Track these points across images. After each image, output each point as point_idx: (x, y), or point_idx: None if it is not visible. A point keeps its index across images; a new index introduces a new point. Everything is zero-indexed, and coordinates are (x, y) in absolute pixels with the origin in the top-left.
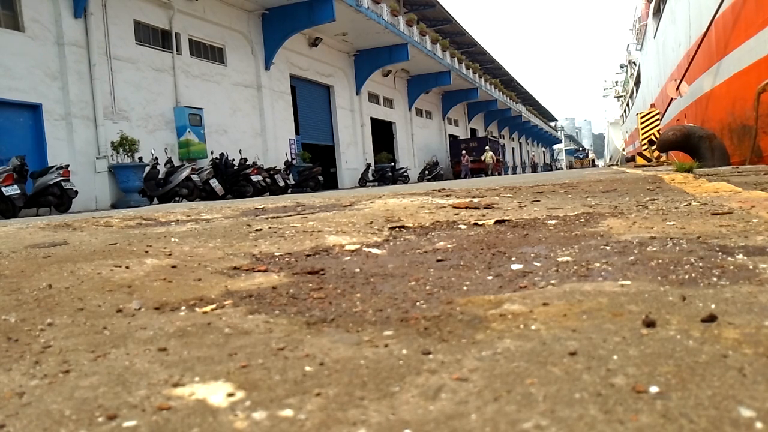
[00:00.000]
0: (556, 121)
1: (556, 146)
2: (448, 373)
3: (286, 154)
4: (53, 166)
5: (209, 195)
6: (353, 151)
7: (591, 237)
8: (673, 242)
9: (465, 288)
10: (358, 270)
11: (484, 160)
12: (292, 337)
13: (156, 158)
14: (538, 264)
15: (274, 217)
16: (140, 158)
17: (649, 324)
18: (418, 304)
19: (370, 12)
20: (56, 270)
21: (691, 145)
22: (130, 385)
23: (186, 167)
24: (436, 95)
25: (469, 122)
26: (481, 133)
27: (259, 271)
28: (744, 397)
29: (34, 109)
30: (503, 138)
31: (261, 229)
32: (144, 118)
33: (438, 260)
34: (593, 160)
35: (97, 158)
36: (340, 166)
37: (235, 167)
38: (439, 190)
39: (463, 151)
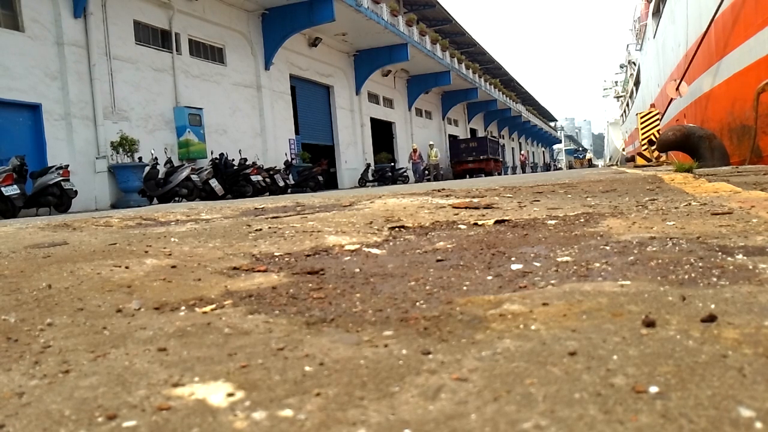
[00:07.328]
0: (556, 121)
1: (555, 146)
2: (448, 373)
3: (286, 154)
4: (53, 166)
5: (209, 195)
6: (353, 151)
7: (591, 237)
8: (672, 242)
9: (465, 288)
10: (357, 270)
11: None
12: (291, 337)
13: (156, 158)
14: (538, 264)
15: (273, 217)
16: (140, 158)
17: (649, 324)
18: (417, 304)
19: (370, 12)
20: (56, 270)
21: (690, 145)
22: (130, 385)
23: (186, 167)
24: (436, 95)
25: (468, 122)
26: (480, 133)
27: (258, 271)
28: (744, 397)
29: (34, 109)
30: (503, 138)
31: (261, 229)
32: (144, 118)
33: (438, 260)
34: (590, 161)
35: (96, 158)
36: (340, 166)
37: (235, 167)
38: (438, 190)
39: (414, 146)
